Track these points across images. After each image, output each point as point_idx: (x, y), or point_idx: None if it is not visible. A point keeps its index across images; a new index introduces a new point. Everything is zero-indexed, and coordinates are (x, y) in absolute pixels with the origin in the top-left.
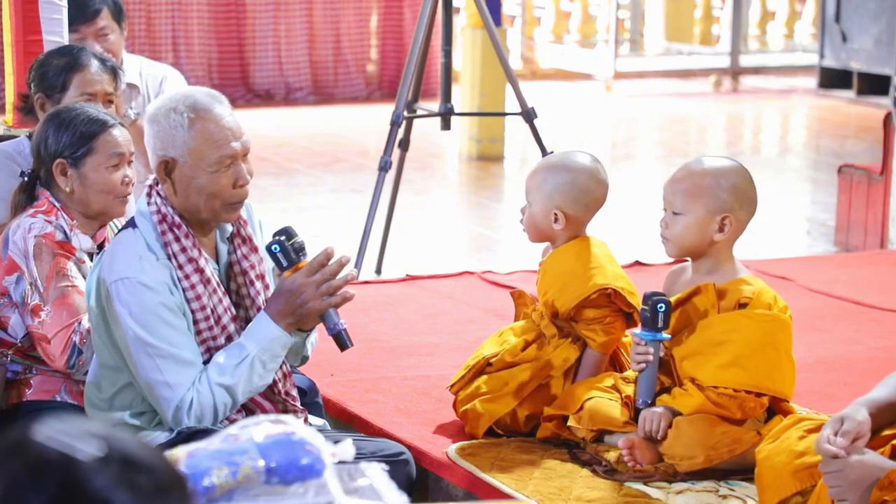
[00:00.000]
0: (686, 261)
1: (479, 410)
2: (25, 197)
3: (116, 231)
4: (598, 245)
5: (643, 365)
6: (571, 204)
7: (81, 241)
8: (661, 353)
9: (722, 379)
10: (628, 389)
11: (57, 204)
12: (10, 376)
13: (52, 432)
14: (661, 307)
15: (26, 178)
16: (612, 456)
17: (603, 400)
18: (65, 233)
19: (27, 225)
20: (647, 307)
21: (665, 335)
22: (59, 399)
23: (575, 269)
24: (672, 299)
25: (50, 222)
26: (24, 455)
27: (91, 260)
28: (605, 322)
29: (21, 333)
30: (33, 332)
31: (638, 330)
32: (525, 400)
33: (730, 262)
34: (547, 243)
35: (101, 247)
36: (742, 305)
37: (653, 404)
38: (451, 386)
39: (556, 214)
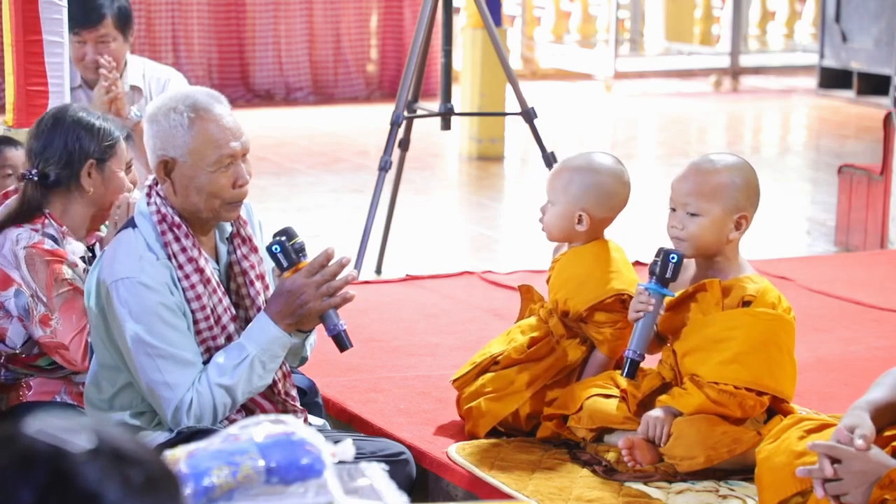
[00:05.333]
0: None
1: (483, 409)
2: (38, 195)
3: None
4: (617, 249)
5: (640, 314)
6: (597, 206)
7: (74, 248)
8: (662, 311)
9: (722, 375)
10: (625, 383)
11: (45, 212)
12: (8, 381)
13: (43, 426)
14: (672, 258)
15: (35, 178)
16: (612, 456)
17: (601, 398)
18: (54, 240)
19: (14, 237)
20: (658, 258)
21: (668, 291)
22: (58, 400)
23: (592, 271)
24: (676, 294)
25: (36, 230)
26: (14, 447)
27: (85, 263)
28: (616, 326)
29: (19, 342)
30: (46, 343)
31: (644, 282)
32: (528, 399)
33: (736, 260)
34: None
35: (91, 248)
36: (746, 303)
37: (642, 357)
38: (455, 380)
39: (580, 216)
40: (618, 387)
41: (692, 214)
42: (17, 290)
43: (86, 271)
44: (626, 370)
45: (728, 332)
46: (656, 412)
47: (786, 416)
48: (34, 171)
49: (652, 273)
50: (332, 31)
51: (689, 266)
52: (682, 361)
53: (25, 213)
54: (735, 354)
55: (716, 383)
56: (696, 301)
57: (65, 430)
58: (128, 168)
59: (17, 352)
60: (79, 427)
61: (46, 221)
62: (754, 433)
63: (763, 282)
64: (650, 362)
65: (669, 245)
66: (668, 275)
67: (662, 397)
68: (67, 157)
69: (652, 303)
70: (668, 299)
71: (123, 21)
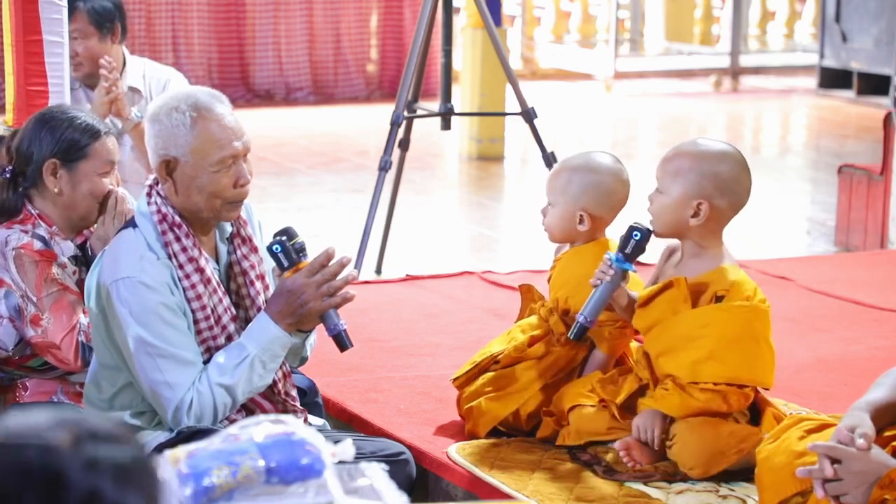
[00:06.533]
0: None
1: (484, 409)
2: (12, 194)
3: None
4: None
5: (598, 282)
6: (597, 205)
7: (63, 248)
8: (623, 283)
9: (699, 374)
10: (604, 393)
11: (34, 213)
12: (4, 382)
13: (23, 430)
14: (635, 235)
15: (8, 175)
16: (611, 456)
17: (585, 409)
18: (44, 241)
19: (3, 238)
20: (625, 232)
21: (630, 266)
22: (55, 400)
23: (592, 270)
24: (644, 293)
25: (26, 232)
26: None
27: (75, 264)
28: (616, 325)
29: (11, 344)
30: (38, 343)
31: (613, 252)
32: (529, 398)
33: (714, 249)
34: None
35: (81, 247)
36: (719, 298)
37: (592, 324)
38: (455, 379)
39: (581, 216)
40: (598, 395)
41: (660, 192)
42: (7, 292)
43: (75, 273)
44: (573, 333)
45: (701, 329)
46: (642, 417)
47: (762, 406)
48: (8, 169)
49: (619, 244)
50: (332, 31)
51: (676, 250)
52: (656, 363)
53: (3, 212)
54: (710, 352)
55: (695, 383)
56: (663, 300)
57: (45, 429)
58: (113, 170)
59: (10, 353)
60: (58, 423)
61: (36, 222)
62: (756, 430)
63: (738, 274)
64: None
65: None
66: (628, 250)
67: (643, 400)
68: (28, 156)
69: (611, 273)
70: (639, 296)
71: (99, 20)
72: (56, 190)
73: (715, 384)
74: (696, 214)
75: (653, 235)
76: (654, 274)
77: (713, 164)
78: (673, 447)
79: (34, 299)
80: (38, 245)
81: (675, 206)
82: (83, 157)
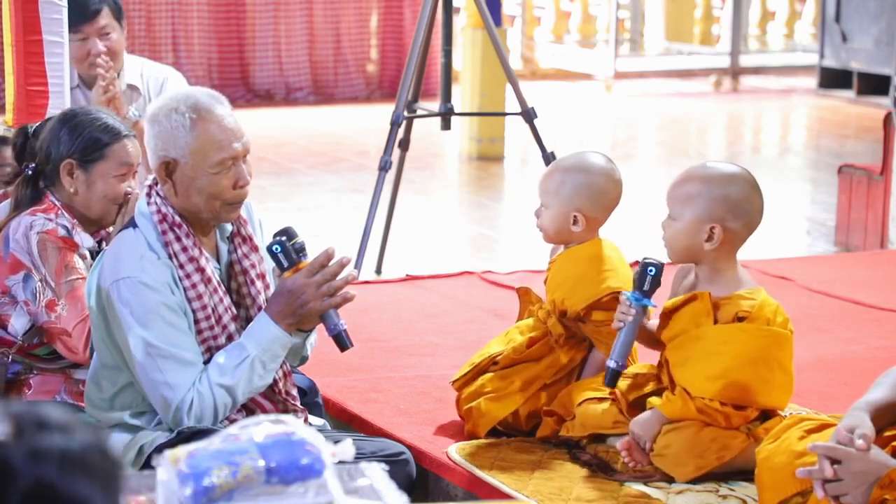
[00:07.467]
0: None
1: (483, 410)
2: (29, 191)
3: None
4: (612, 248)
5: (621, 324)
6: (590, 206)
7: (84, 240)
8: (646, 319)
9: (707, 390)
10: (620, 385)
11: (58, 203)
12: (9, 376)
13: None
14: (650, 270)
15: (30, 172)
16: (612, 456)
17: (593, 403)
18: (67, 230)
19: (28, 223)
20: (639, 269)
21: (649, 302)
22: (59, 399)
23: (587, 270)
24: (668, 303)
25: (50, 220)
26: None
27: (92, 258)
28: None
29: (21, 331)
30: (50, 328)
31: (629, 291)
32: (528, 399)
33: (730, 272)
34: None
35: (99, 243)
36: (740, 319)
37: (623, 367)
38: (454, 382)
39: (575, 216)
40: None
41: (672, 218)
42: (27, 275)
43: (91, 266)
44: (607, 380)
45: (719, 346)
46: (639, 425)
47: (773, 416)
48: (30, 166)
49: (634, 283)
50: (332, 31)
51: (689, 272)
52: (673, 371)
53: (17, 209)
54: (723, 370)
55: (701, 398)
56: (687, 312)
57: None
58: (133, 173)
59: (19, 341)
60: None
61: (60, 212)
62: (743, 437)
63: (760, 296)
64: (650, 358)
65: (658, 254)
66: (646, 287)
67: (653, 399)
68: (48, 154)
69: (632, 313)
70: (664, 305)
71: (118, 11)
72: (72, 190)
73: (722, 403)
74: (710, 238)
75: (666, 266)
76: (669, 297)
77: (722, 186)
78: (655, 446)
79: (52, 284)
80: (61, 232)
81: (687, 231)
82: (100, 157)
